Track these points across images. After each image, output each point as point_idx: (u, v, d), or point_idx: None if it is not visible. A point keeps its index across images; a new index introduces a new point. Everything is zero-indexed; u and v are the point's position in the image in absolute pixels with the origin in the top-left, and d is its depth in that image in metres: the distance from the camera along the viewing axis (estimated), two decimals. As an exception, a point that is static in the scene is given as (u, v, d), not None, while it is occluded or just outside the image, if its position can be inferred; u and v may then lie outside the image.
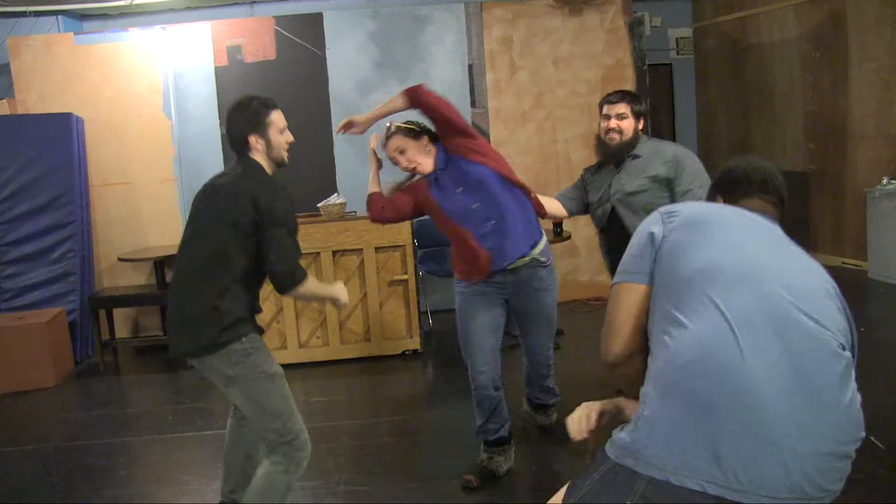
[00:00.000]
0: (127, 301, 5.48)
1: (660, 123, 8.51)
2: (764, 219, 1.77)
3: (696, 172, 3.25)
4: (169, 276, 5.38)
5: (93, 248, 5.85)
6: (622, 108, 3.31)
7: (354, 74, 6.03)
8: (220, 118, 5.94)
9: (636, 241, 1.76)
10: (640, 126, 3.36)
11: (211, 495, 3.28)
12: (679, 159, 3.26)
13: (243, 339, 2.49)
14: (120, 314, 5.99)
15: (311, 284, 2.60)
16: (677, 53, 8.22)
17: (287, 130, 2.69)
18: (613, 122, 3.31)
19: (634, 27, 6.07)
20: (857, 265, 6.52)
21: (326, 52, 5.98)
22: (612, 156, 3.37)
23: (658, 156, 3.29)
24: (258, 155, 2.61)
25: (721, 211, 1.77)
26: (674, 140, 8.51)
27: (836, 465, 1.48)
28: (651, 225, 1.75)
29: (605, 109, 3.37)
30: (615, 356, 1.72)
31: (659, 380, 1.52)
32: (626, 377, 1.76)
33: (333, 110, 6.03)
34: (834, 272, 6.26)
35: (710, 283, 1.54)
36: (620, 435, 1.53)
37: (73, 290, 5.52)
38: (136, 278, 5.98)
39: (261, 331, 2.64)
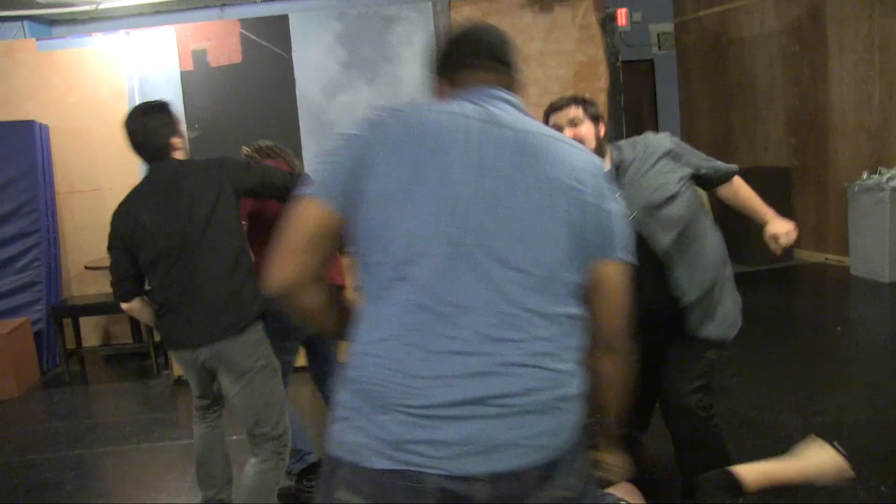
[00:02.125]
0: (92, 310, 5.40)
1: (642, 120, 8.40)
2: (487, 128, 1.39)
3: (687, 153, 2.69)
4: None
5: (60, 256, 5.79)
6: (573, 111, 2.55)
7: (321, 76, 5.94)
8: (186, 124, 5.86)
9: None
10: (602, 132, 2.60)
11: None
12: (673, 142, 2.67)
13: (258, 324, 2.55)
14: (90, 323, 5.93)
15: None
16: (659, 49, 8.12)
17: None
18: (568, 132, 2.51)
19: (607, 23, 5.96)
20: (839, 261, 6.41)
21: (293, 54, 5.89)
22: None
23: (652, 149, 2.63)
24: (179, 154, 2.63)
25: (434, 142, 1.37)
26: (657, 137, 8.44)
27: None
28: None
29: (553, 119, 2.58)
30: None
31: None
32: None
33: (301, 112, 5.95)
34: (817, 269, 6.17)
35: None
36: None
37: (38, 299, 5.46)
38: (106, 286, 5.90)
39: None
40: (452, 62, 1.55)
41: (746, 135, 7.40)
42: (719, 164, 2.71)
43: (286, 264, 1.39)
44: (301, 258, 1.38)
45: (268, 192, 2.64)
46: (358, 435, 1.27)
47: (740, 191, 2.80)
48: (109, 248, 2.62)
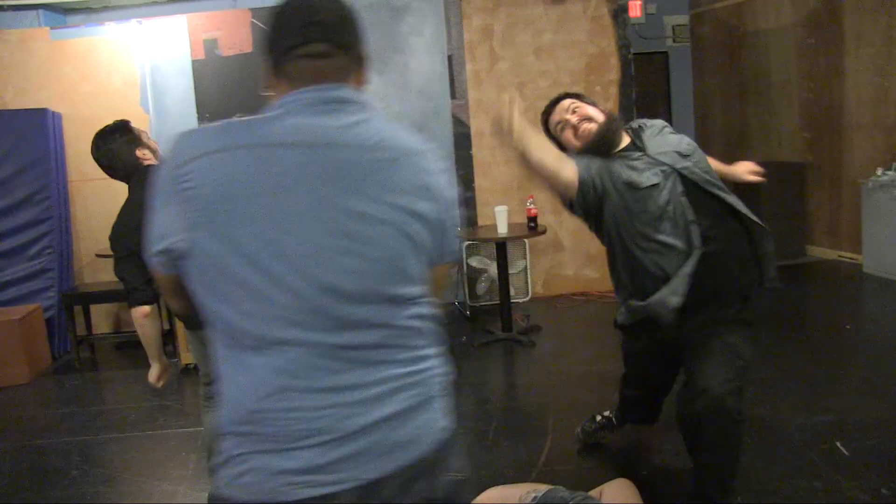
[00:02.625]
0: (103, 297, 5.45)
1: (655, 112, 8.34)
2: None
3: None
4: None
5: (72, 244, 5.84)
6: (567, 102, 2.66)
7: (332, 66, 5.93)
8: (197, 112, 5.89)
9: None
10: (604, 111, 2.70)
11: (158, 496, 3.26)
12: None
13: None
14: (101, 310, 5.99)
15: None
16: (673, 41, 8.04)
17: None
18: (573, 117, 2.60)
19: (619, 15, 5.91)
20: (852, 259, 6.34)
21: (304, 44, 5.89)
22: (609, 138, 2.55)
23: (655, 123, 2.72)
24: (152, 163, 2.70)
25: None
26: (670, 130, 8.37)
27: None
28: None
29: (553, 118, 2.69)
30: None
31: None
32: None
33: (312, 103, 5.95)
34: (830, 266, 6.11)
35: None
36: None
37: (50, 286, 5.52)
38: (117, 274, 5.96)
39: None
40: (279, 47, 1.30)
41: (760, 129, 7.32)
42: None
43: (173, 303, 1.39)
44: (180, 300, 1.33)
45: None
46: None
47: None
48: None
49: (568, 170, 2.43)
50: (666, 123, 2.73)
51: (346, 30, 1.34)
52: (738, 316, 2.55)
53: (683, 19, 8.02)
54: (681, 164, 2.49)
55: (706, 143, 8.05)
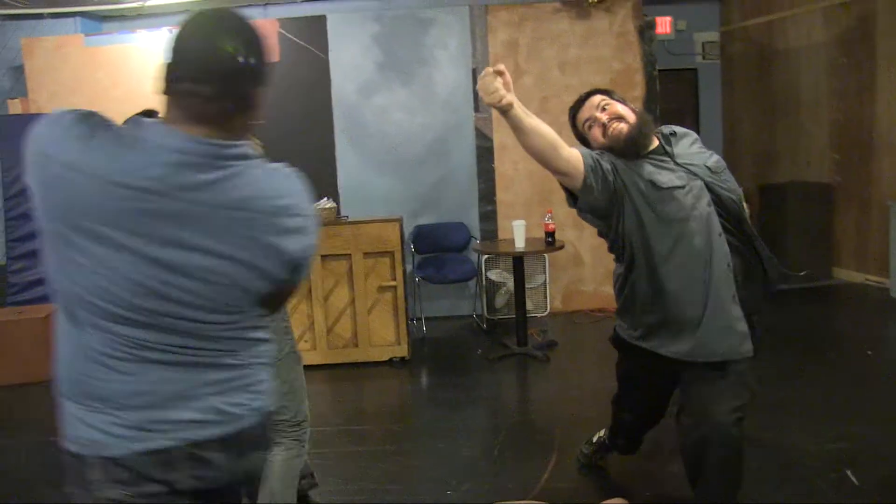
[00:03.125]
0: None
1: (683, 130, 8.27)
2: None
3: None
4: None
5: (98, 246, 5.96)
6: (597, 98, 2.53)
7: (357, 77, 6.00)
8: (224, 119, 5.98)
9: None
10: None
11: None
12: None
13: (284, 311, 2.57)
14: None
15: None
16: (703, 58, 7.97)
17: None
18: (602, 115, 2.49)
19: (645, 31, 5.89)
20: (880, 282, 6.20)
21: (329, 54, 5.97)
22: (640, 140, 2.43)
23: (687, 134, 2.61)
24: None
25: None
26: (698, 147, 8.28)
27: None
28: None
29: (581, 115, 2.58)
30: None
31: None
32: None
33: (336, 113, 6.02)
34: (856, 290, 5.99)
35: None
36: None
37: (75, 286, 5.62)
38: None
39: None
40: (173, 76, 1.34)
41: (789, 148, 7.22)
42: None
43: None
44: None
45: None
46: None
47: None
48: None
49: (568, 150, 2.34)
50: (697, 137, 2.64)
51: (240, 78, 1.36)
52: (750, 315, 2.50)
53: (713, 36, 7.95)
54: (709, 177, 2.43)
55: (734, 161, 7.95)
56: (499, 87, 2.19)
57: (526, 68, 5.94)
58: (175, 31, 1.34)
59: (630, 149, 2.42)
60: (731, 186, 2.48)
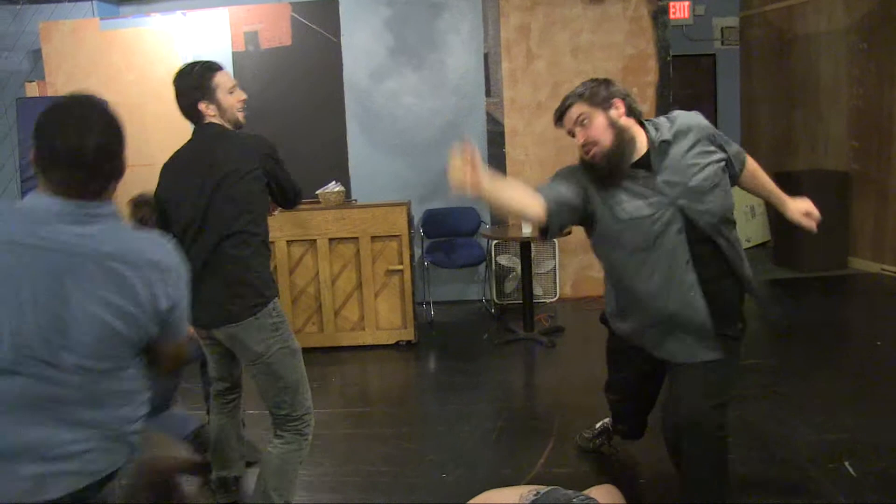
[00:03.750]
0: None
1: (701, 116, 8.18)
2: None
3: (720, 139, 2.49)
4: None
5: (113, 227, 6.04)
6: (576, 110, 2.38)
7: (369, 61, 6.00)
8: (236, 103, 6.03)
9: None
10: (621, 112, 2.37)
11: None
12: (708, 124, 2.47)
13: (275, 303, 2.52)
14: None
15: None
16: (722, 44, 7.86)
17: (238, 89, 2.60)
18: (579, 136, 2.38)
19: (659, 16, 5.82)
20: (896, 273, 6.12)
21: (341, 38, 5.97)
22: (616, 171, 2.34)
23: (688, 128, 2.40)
24: (213, 119, 2.55)
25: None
26: (715, 134, 8.18)
27: None
28: None
29: (566, 125, 2.45)
30: None
31: None
32: None
33: (347, 97, 6.03)
34: (872, 280, 5.89)
35: None
36: None
37: (89, 266, 5.72)
38: (155, 257, 6.15)
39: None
40: (45, 158, 1.56)
41: (807, 136, 7.11)
42: (735, 145, 2.55)
43: None
44: None
45: (280, 190, 2.64)
46: None
47: (757, 173, 2.66)
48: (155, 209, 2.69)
49: (535, 207, 2.31)
50: (704, 133, 2.41)
51: (106, 158, 1.58)
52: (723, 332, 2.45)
53: (733, 21, 7.83)
54: (688, 199, 2.32)
55: (752, 147, 7.84)
56: (466, 181, 2.14)
57: (538, 53, 5.90)
58: (38, 120, 1.55)
59: (608, 172, 2.35)
60: (713, 207, 2.34)
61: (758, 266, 6.96)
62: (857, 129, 6.49)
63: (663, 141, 2.36)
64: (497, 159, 6.04)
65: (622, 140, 2.32)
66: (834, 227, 6.52)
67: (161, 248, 1.67)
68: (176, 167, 2.59)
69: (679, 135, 2.38)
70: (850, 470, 3.02)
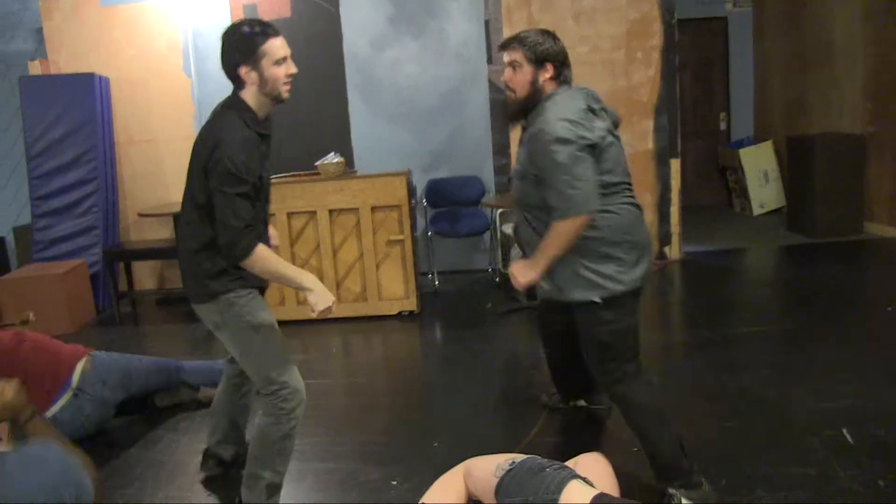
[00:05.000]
0: (141, 254, 5.68)
1: (712, 81, 8.00)
2: None
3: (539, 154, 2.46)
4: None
5: (118, 203, 6.08)
6: (512, 54, 2.54)
7: (369, 31, 5.93)
8: (237, 76, 5.99)
9: None
10: (549, 74, 2.51)
11: (167, 441, 3.38)
12: (534, 135, 2.48)
13: (230, 292, 2.46)
14: (146, 267, 6.24)
15: (262, 262, 2.32)
16: (734, 6, 7.66)
17: (289, 61, 2.36)
18: (506, 75, 2.58)
19: (664, -23, 5.66)
20: (912, 237, 5.97)
21: (340, 8, 5.90)
22: (514, 118, 2.67)
23: (539, 129, 2.45)
24: (249, 90, 2.35)
25: None
26: (727, 100, 8.01)
27: None
28: None
29: (503, 57, 2.63)
30: None
31: None
32: None
33: (348, 67, 5.97)
34: (887, 245, 5.72)
35: None
36: None
37: (96, 243, 5.77)
38: (162, 232, 6.18)
39: (257, 286, 2.55)
40: None
41: (821, 98, 6.93)
42: (559, 201, 2.42)
43: None
44: None
45: (219, 229, 2.32)
46: None
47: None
48: None
49: None
50: (537, 140, 2.45)
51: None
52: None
53: (746, -18, 7.63)
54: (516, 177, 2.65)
55: (766, 112, 7.69)
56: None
57: (539, 19, 5.78)
58: None
59: (509, 115, 2.70)
60: (522, 190, 2.62)
61: (771, 232, 6.84)
62: (873, 91, 6.30)
63: (529, 122, 2.57)
64: (500, 127, 5.96)
65: (532, 99, 2.53)
66: (848, 192, 6.38)
67: None
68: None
69: (532, 126, 2.52)
70: (848, 437, 2.96)
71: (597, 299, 2.49)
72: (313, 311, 2.37)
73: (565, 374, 3.30)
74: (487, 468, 2.42)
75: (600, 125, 2.47)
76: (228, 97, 2.41)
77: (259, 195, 2.41)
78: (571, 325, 2.66)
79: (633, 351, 2.61)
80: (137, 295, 6.03)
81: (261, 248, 2.30)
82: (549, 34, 2.59)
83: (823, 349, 3.94)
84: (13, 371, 2.93)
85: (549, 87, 2.53)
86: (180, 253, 2.53)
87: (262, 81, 2.32)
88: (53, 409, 3.23)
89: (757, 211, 7.52)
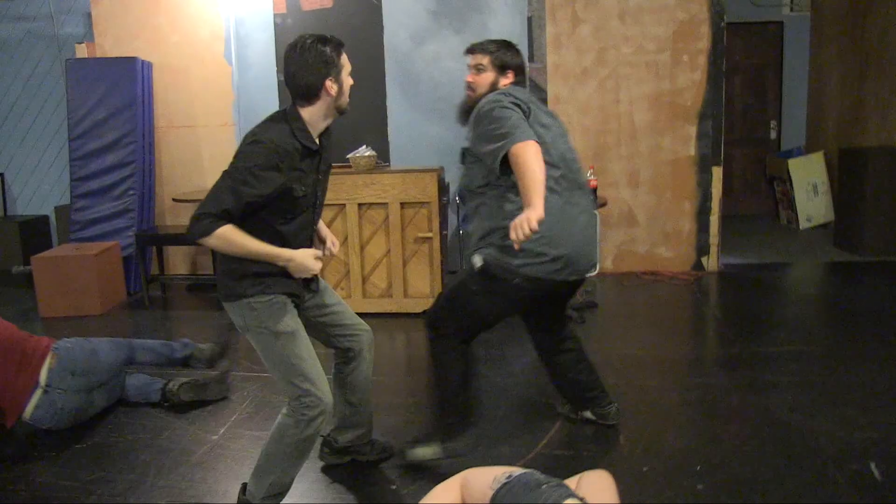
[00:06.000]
0: (172, 239, 5.71)
1: (764, 87, 7.73)
2: None
3: (475, 121, 2.70)
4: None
5: (155, 188, 6.15)
6: (480, 59, 2.84)
7: (410, 24, 5.87)
8: (277, 66, 6.01)
9: None
10: (508, 80, 2.83)
11: (196, 430, 3.38)
12: (486, 109, 2.66)
13: (250, 297, 2.45)
14: (179, 252, 6.30)
15: (226, 242, 2.30)
16: (791, 9, 7.38)
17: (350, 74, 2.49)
18: (470, 75, 2.88)
19: (715, -22, 5.47)
20: (967, 259, 5.67)
21: (383, 0, 5.85)
22: (463, 114, 2.89)
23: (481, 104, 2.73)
24: (321, 104, 2.41)
25: None
26: (778, 108, 7.73)
27: None
28: None
29: (469, 60, 2.92)
30: None
31: None
32: None
33: (387, 60, 5.93)
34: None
35: None
36: None
37: (131, 226, 5.84)
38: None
39: (285, 293, 2.51)
40: None
41: (878, 108, 6.62)
42: (490, 149, 2.61)
43: None
44: None
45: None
46: None
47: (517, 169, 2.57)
48: None
49: None
50: (479, 111, 2.69)
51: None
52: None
53: (805, -15, 7.35)
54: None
55: (819, 120, 7.39)
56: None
57: (583, 17, 5.64)
58: None
59: (464, 111, 2.89)
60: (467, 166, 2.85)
61: (816, 247, 6.58)
62: (934, 103, 6.01)
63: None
64: (539, 128, 5.84)
65: (465, 104, 2.88)
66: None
67: None
68: None
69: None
70: (876, 473, 2.79)
71: (480, 263, 2.72)
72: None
73: (565, 386, 3.29)
74: (485, 480, 2.34)
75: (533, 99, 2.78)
76: (278, 111, 2.44)
77: (293, 209, 2.42)
78: (562, 334, 3.20)
79: (477, 328, 2.88)
80: (168, 279, 6.08)
81: (225, 230, 2.27)
82: (513, 46, 2.90)
83: (860, 374, 3.74)
84: None
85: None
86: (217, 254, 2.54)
87: (340, 92, 2.42)
88: (29, 409, 3.27)
89: (804, 224, 7.24)
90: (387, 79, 5.95)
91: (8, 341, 3.29)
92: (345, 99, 2.45)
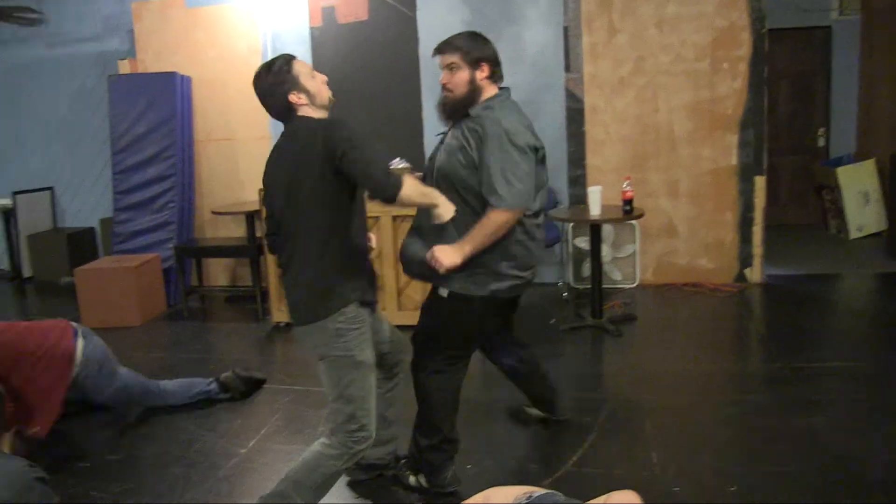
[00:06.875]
0: (211, 252, 5.78)
1: (812, 94, 7.52)
2: None
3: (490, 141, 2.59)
4: (258, 230, 5.63)
5: (195, 200, 6.23)
6: (449, 58, 2.76)
7: (445, 35, 5.75)
8: (313, 79, 6.04)
9: None
10: (484, 74, 2.72)
11: (225, 442, 3.40)
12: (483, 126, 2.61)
13: (340, 314, 2.42)
14: (219, 264, 6.37)
15: (410, 188, 2.35)
16: (840, 14, 7.17)
17: (314, 71, 2.53)
18: (444, 77, 2.79)
19: (756, -17, 5.33)
20: None
21: (417, 12, 5.85)
22: (454, 116, 2.78)
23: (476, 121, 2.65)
24: (303, 111, 2.46)
25: None
26: (826, 115, 7.50)
27: None
28: None
29: (440, 62, 2.85)
30: None
31: None
32: None
33: (423, 72, 5.92)
34: None
35: None
36: None
37: (171, 238, 5.93)
38: (235, 230, 6.30)
39: (367, 300, 2.52)
40: None
41: (932, 117, 6.39)
42: (504, 189, 2.57)
43: None
44: None
45: (363, 183, 2.37)
46: None
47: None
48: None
49: None
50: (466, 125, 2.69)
51: None
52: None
53: (853, -12, 7.13)
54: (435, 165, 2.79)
55: (869, 131, 7.15)
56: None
57: (620, 27, 5.55)
58: None
59: (447, 115, 2.85)
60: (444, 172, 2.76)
61: (867, 258, 6.35)
62: None
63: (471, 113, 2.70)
64: (576, 138, 5.77)
65: (471, 98, 2.72)
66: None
67: None
68: (271, 159, 2.53)
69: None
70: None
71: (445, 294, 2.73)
72: (439, 219, 2.51)
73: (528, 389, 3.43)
74: (505, 499, 2.29)
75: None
76: (294, 124, 2.47)
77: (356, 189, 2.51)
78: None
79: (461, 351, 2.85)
80: (207, 291, 6.15)
81: (406, 179, 2.36)
82: (481, 36, 2.85)
83: (910, 394, 3.58)
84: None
85: (486, 86, 2.72)
86: (293, 268, 2.47)
87: (311, 96, 2.46)
88: (78, 352, 3.42)
89: (854, 234, 7.00)
90: (422, 90, 5.94)
91: (10, 344, 3.21)
92: (322, 96, 2.50)
